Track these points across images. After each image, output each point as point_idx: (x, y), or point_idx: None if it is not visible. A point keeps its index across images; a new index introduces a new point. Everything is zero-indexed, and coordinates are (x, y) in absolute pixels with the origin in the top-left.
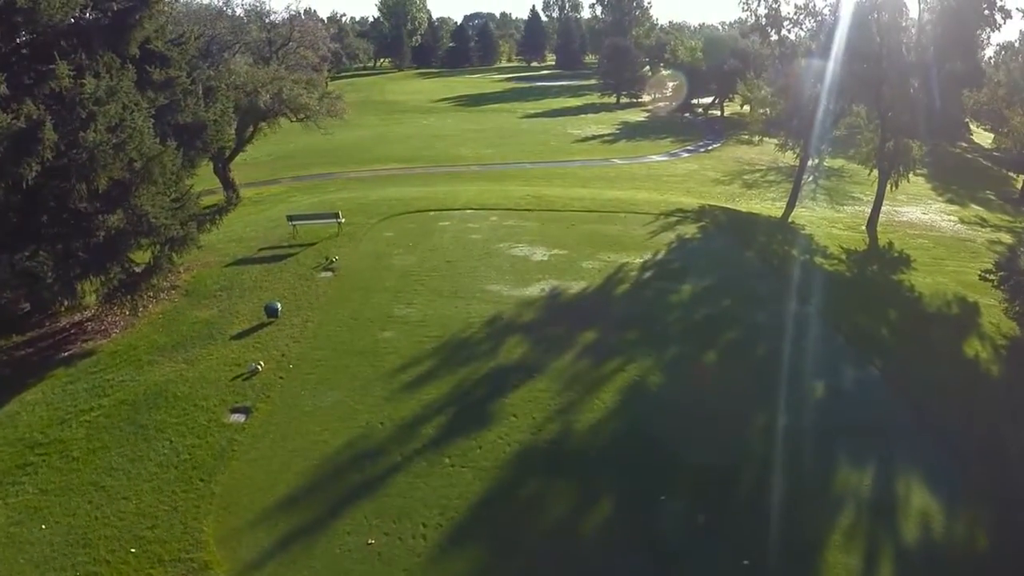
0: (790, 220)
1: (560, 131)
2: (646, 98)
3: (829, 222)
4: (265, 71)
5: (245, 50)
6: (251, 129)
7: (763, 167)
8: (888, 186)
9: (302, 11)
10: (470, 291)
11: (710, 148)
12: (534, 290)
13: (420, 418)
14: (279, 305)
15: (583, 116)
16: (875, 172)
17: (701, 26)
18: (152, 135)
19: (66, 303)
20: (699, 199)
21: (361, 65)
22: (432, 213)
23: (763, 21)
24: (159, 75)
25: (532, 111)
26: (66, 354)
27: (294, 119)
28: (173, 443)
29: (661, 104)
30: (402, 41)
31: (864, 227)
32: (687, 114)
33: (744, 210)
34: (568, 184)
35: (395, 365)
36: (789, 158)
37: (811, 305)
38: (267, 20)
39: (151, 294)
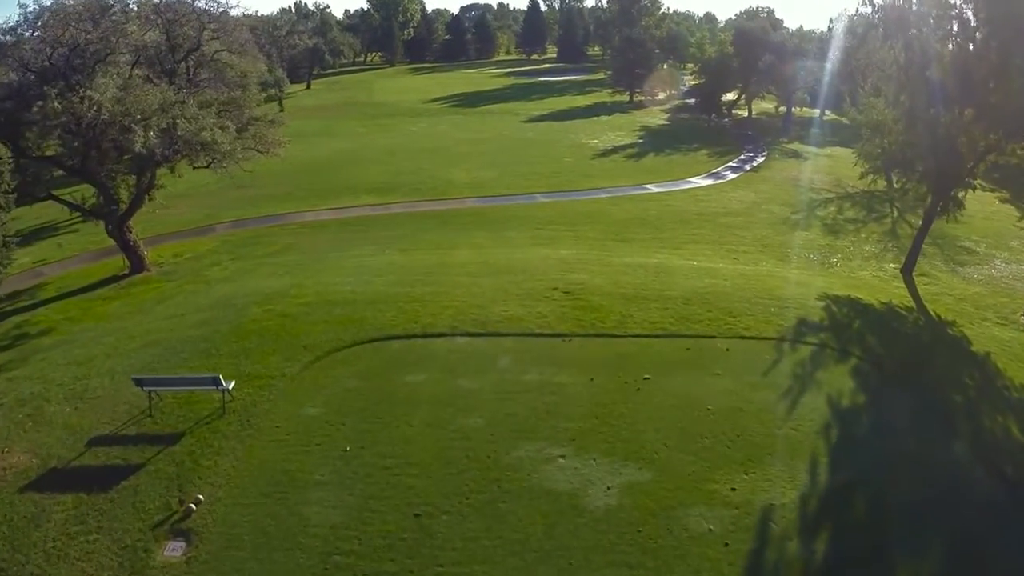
0: (931, 311)
1: (573, 141)
2: (661, 95)
3: (974, 307)
4: (151, 94)
5: (143, 61)
6: (148, 176)
7: (828, 192)
8: None
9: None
10: None
11: (756, 164)
12: None
13: None
14: None
15: (596, 119)
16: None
17: (706, 16)
18: None
19: None
20: (785, 264)
21: (349, 61)
22: (397, 345)
23: (879, 14)
24: None
25: (537, 113)
26: None
27: (196, 164)
28: None
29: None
30: (393, 34)
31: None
32: (713, 115)
33: (870, 300)
34: (604, 237)
35: None
36: (854, 178)
37: None
38: (166, 16)
39: None
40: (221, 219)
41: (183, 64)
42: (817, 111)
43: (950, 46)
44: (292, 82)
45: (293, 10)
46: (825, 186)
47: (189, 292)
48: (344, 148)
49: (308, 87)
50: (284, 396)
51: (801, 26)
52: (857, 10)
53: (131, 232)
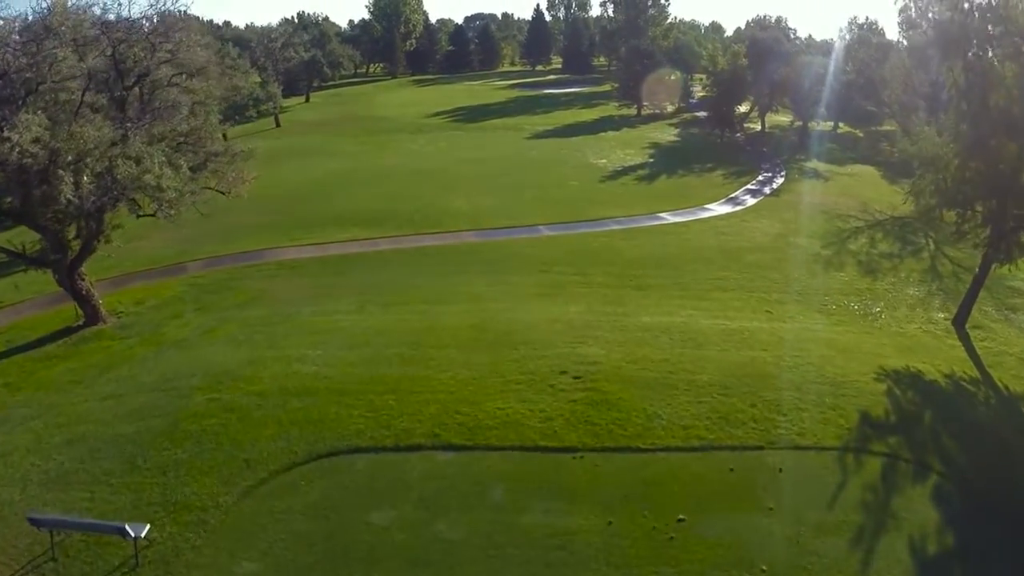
0: (998, 381)
1: (580, 160)
2: (670, 108)
3: None
4: (86, 131)
5: (93, 87)
6: (94, 222)
7: (856, 219)
8: None
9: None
10: None
11: (775, 187)
12: None
13: None
14: None
15: (603, 134)
16: None
17: (711, 25)
18: None
19: None
20: (825, 316)
21: (350, 73)
22: (363, 462)
23: (930, 28)
24: None
25: (541, 128)
26: None
27: (140, 213)
28: None
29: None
30: (395, 45)
31: None
32: (726, 131)
33: (931, 371)
34: (617, 283)
35: None
36: (880, 202)
37: None
38: (112, 36)
39: None
40: (195, 255)
41: (136, 90)
42: (831, 124)
43: (1016, 68)
44: (291, 95)
45: (296, 20)
46: (852, 212)
47: (138, 359)
48: (338, 168)
49: (307, 100)
50: (214, 540)
51: (810, 35)
52: (867, 18)
53: (84, 280)
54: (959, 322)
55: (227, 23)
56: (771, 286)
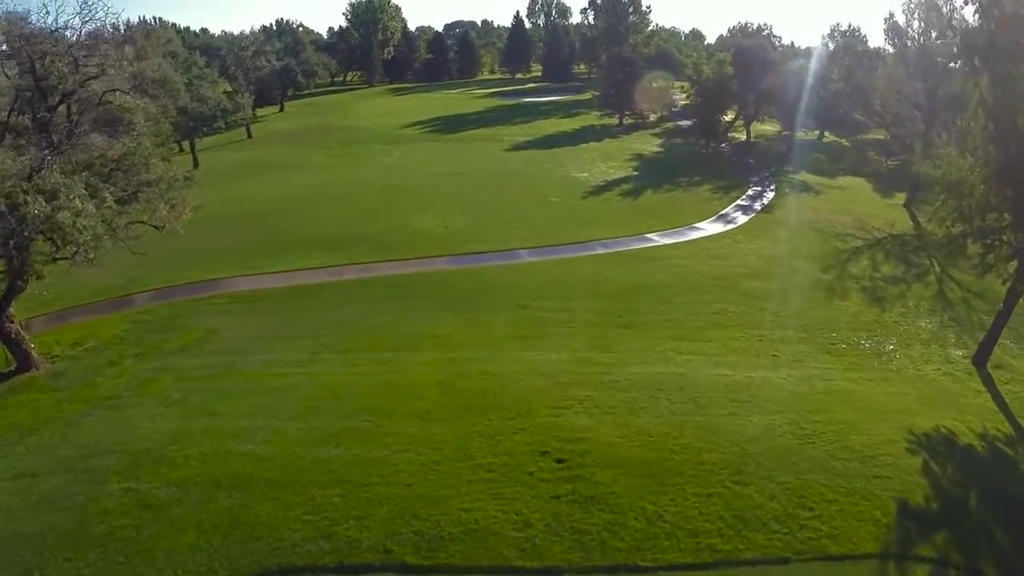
0: None
1: (561, 174)
2: (652, 117)
3: None
4: None
5: (17, 108)
6: (16, 258)
7: (854, 237)
8: None
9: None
10: None
11: (766, 202)
12: None
13: None
14: None
15: (584, 145)
16: None
17: (692, 32)
18: None
19: None
20: (836, 359)
21: (326, 81)
22: None
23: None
24: None
25: (521, 139)
26: None
27: (58, 255)
28: None
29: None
30: (372, 53)
31: None
32: (711, 141)
33: (966, 433)
34: (603, 320)
35: None
36: (875, 217)
37: None
38: (32, 50)
39: None
40: (145, 285)
41: (63, 108)
42: (816, 133)
43: None
44: (264, 104)
45: (275, 27)
46: (848, 229)
47: (62, 422)
48: (308, 183)
49: (281, 109)
50: None
51: (793, 42)
52: (850, 25)
53: (12, 322)
54: (980, 361)
55: (204, 30)
56: (773, 320)
